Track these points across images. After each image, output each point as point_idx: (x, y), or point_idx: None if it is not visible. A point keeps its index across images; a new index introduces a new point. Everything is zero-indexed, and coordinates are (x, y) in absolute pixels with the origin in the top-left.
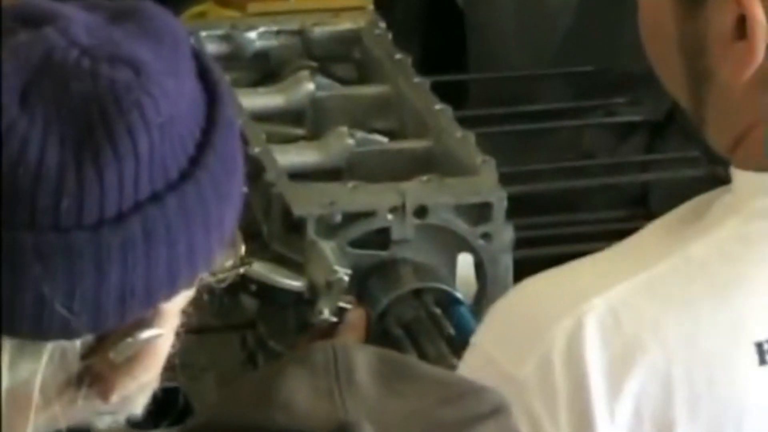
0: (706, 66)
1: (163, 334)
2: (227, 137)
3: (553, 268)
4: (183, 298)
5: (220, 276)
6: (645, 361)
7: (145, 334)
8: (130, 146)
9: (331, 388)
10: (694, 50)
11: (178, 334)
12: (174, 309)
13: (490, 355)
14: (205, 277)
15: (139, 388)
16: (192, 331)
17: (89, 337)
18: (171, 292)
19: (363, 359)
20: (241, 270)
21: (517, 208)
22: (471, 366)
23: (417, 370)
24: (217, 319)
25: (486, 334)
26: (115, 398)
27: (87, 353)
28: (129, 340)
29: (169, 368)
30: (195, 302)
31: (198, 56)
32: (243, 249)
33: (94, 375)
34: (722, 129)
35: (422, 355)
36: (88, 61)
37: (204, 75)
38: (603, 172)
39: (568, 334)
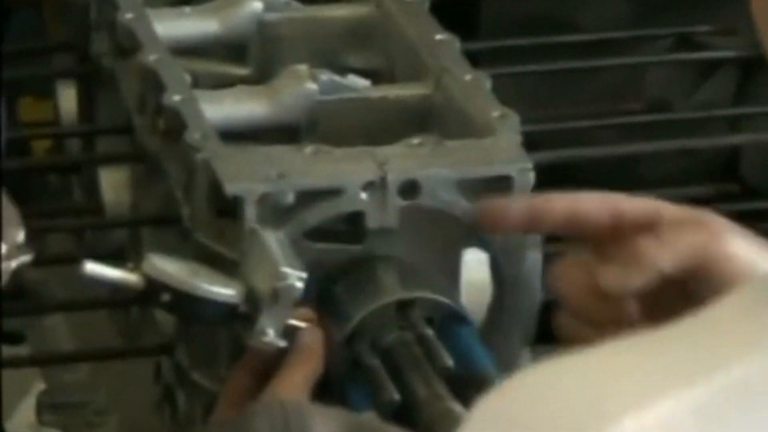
0: None
1: None
2: None
3: (569, 356)
4: None
5: None
6: None
7: None
8: None
9: None
10: None
11: None
12: None
13: None
14: None
15: None
16: (88, 357)
17: None
18: None
19: (324, 428)
20: (13, 264)
21: (548, 182)
22: None
23: None
24: (122, 340)
25: None
26: None
27: None
28: None
29: (57, 408)
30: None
31: None
32: (22, 235)
33: None
34: None
35: (407, 395)
36: None
37: None
38: (675, 131)
39: None
